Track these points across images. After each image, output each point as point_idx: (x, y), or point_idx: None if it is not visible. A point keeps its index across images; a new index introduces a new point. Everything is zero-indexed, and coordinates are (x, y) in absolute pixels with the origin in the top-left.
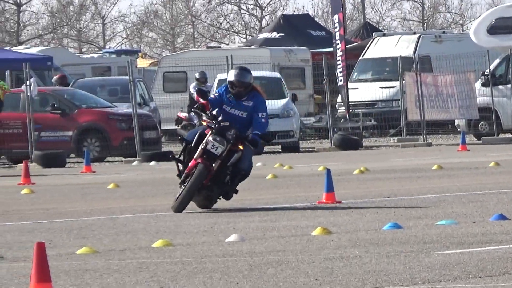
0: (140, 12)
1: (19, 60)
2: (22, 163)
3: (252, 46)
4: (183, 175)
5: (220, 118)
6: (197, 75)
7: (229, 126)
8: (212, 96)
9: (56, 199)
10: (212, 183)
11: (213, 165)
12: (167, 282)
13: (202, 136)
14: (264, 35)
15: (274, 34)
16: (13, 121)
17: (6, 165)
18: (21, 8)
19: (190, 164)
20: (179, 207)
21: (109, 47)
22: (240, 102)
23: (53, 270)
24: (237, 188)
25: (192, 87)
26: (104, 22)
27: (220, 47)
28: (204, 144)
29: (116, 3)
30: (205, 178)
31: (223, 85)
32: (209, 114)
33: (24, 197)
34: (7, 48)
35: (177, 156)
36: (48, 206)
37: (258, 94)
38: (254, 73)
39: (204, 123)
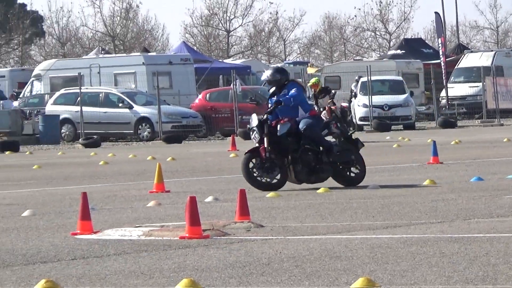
0: (309, 36)
1: (228, 68)
2: (230, 136)
3: (384, 59)
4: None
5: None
6: (356, 77)
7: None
8: (269, 102)
9: None
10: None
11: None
12: (327, 215)
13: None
14: (391, 52)
15: (398, 51)
16: (224, 108)
17: (219, 138)
18: (230, 34)
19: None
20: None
21: (288, 59)
22: (279, 95)
23: (251, 208)
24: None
25: (353, 86)
26: (285, 43)
27: (362, 59)
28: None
29: (293, 30)
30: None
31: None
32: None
33: (232, 159)
34: (220, 60)
35: None
36: None
37: (294, 83)
38: (385, 77)
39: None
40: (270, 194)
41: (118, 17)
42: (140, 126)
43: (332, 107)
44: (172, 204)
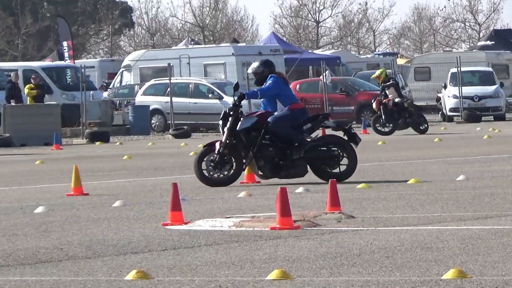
0: (398, 26)
1: (318, 59)
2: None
3: (473, 50)
4: None
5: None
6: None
7: None
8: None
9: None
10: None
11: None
12: (417, 206)
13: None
14: (481, 43)
15: (488, 42)
16: (314, 99)
17: None
18: (319, 24)
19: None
20: None
21: (378, 50)
22: (259, 88)
23: (341, 199)
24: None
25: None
26: (374, 34)
27: (451, 50)
28: None
29: (382, 21)
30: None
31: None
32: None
33: None
34: (310, 51)
35: None
36: None
37: (272, 76)
38: (474, 68)
39: None
40: (361, 185)
41: (208, 8)
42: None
43: (384, 100)
44: (263, 194)
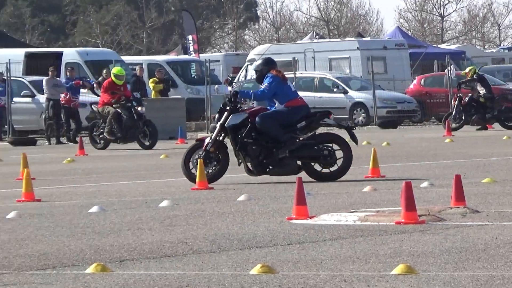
0: None
1: (443, 54)
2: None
3: None
4: None
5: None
6: None
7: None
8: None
9: (468, 146)
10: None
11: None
12: None
13: None
14: None
15: None
16: (439, 94)
17: (435, 123)
18: (444, 19)
19: None
20: None
21: (503, 45)
22: (260, 86)
23: (466, 193)
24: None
25: None
26: (500, 28)
27: None
28: None
29: (507, 15)
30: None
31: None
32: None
33: (447, 145)
34: (435, 45)
35: None
36: (463, 151)
37: (268, 75)
38: None
39: None
40: (486, 179)
41: (332, 2)
42: (355, 111)
43: (461, 95)
44: (388, 189)
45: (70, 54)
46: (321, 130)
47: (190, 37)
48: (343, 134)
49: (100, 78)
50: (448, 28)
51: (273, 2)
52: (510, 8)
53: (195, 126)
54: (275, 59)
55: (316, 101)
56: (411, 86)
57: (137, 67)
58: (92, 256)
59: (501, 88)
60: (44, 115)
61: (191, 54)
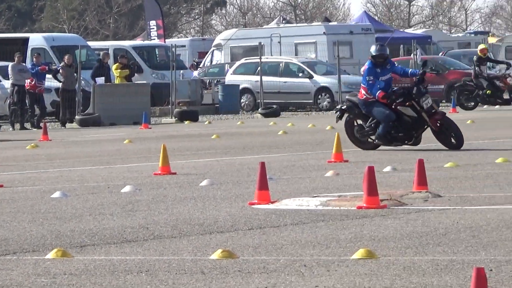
0: (490, 5)
1: (409, 38)
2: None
3: None
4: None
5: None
6: None
7: (416, 87)
8: (371, 82)
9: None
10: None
11: (437, 114)
12: (505, 186)
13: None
14: None
15: None
16: (404, 78)
17: None
18: (411, 3)
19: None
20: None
21: (469, 29)
22: (385, 69)
23: (428, 178)
24: None
25: None
26: (466, 13)
27: None
28: (419, 108)
29: (474, 0)
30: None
31: (369, 67)
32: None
33: None
34: (401, 30)
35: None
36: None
37: (389, 58)
38: None
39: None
40: (448, 164)
41: None
42: (319, 96)
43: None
44: (350, 174)
45: (36, 39)
46: None
47: (153, 23)
48: None
49: (61, 64)
50: (415, 13)
51: None
52: None
53: (159, 111)
54: (241, 44)
55: (281, 86)
56: None
57: (101, 53)
58: (53, 242)
59: (465, 72)
60: (8, 101)
61: (154, 39)
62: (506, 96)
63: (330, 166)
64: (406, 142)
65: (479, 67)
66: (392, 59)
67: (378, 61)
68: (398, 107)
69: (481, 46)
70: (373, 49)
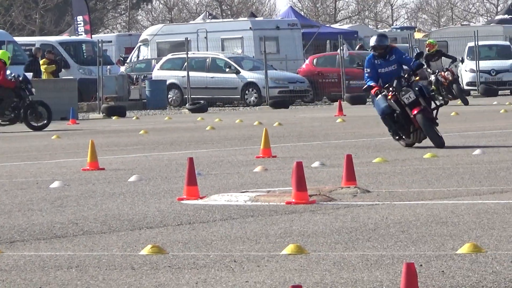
0: (416, 1)
1: (335, 33)
2: (337, 101)
3: (491, 24)
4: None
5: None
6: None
7: (397, 80)
8: (367, 75)
9: (360, 125)
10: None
11: (422, 104)
12: (433, 181)
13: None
14: (499, 17)
15: (506, 16)
16: (331, 74)
17: (326, 103)
18: None
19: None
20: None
21: (395, 25)
22: (387, 60)
23: (357, 173)
24: None
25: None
26: (392, 8)
27: (469, 24)
28: (403, 102)
29: None
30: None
31: (367, 59)
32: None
33: (338, 125)
34: (328, 25)
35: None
36: (355, 131)
37: (396, 48)
38: (492, 42)
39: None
40: (377, 159)
41: None
42: (247, 91)
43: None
44: (279, 169)
45: None
46: None
47: (79, 18)
48: None
49: None
50: (341, 8)
51: None
52: None
53: (86, 106)
54: (167, 40)
55: (208, 81)
56: (303, 66)
57: (34, 48)
58: None
59: None
60: None
61: (81, 35)
62: (454, 90)
63: (259, 162)
64: (404, 138)
65: (427, 63)
66: (318, 54)
67: (377, 52)
68: (390, 101)
69: (428, 42)
70: (371, 40)
